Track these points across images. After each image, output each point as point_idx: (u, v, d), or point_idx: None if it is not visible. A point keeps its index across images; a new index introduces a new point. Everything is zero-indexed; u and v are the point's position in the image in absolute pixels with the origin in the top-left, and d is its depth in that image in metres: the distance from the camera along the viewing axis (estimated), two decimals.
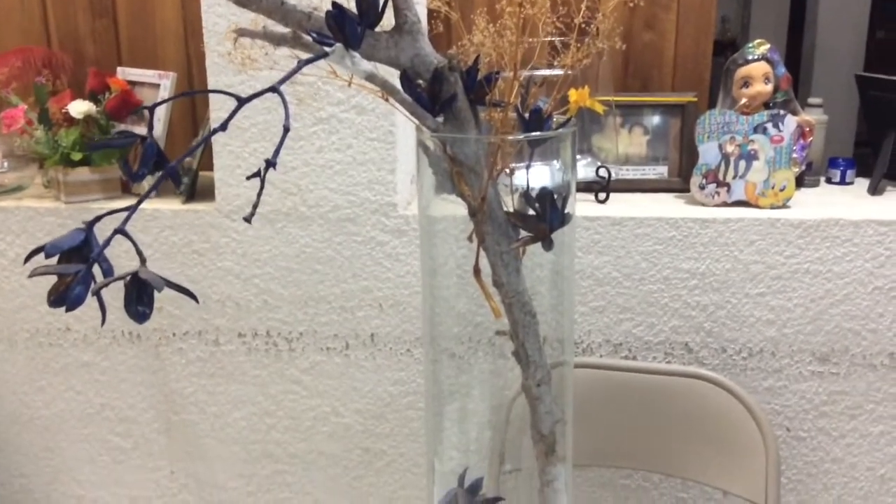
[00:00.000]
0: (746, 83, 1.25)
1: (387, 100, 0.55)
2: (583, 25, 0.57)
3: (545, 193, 0.56)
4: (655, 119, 1.34)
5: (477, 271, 0.59)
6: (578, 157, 1.32)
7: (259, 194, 0.44)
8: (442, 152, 0.56)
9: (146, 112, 1.31)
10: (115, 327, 1.34)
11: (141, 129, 1.34)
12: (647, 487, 1.31)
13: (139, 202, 0.44)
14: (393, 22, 0.54)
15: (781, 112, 1.22)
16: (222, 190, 1.26)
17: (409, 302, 1.28)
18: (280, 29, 0.50)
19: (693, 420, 1.16)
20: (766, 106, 1.26)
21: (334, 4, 0.48)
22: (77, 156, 1.27)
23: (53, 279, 0.48)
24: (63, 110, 1.29)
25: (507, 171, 0.58)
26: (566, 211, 0.57)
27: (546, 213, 0.56)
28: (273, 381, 1.34)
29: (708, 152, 1.22)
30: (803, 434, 1.25)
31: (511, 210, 0.58)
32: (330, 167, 1.24)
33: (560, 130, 0.57)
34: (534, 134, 0.56)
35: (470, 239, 0.60)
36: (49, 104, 1.31)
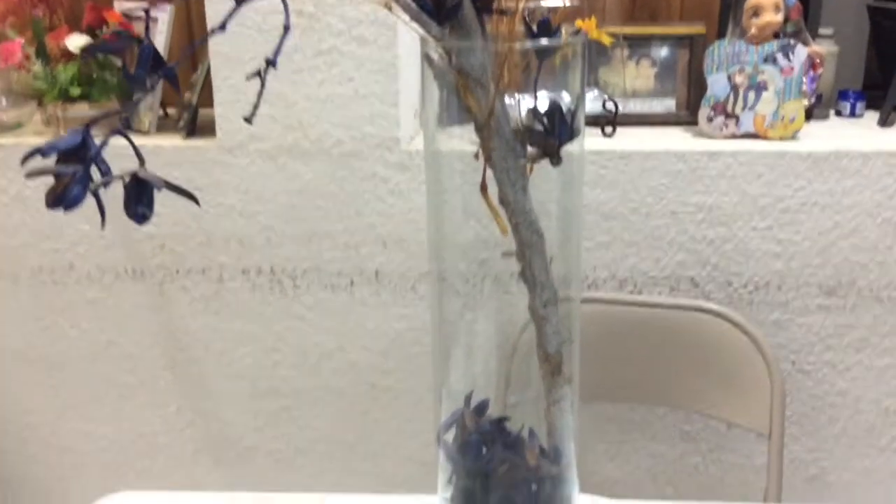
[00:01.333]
0: (756, 13, 1.22)
1: (390, 8, 0.53)
2: None
3: (554, 107, 0.55)
4: (663, 51, 1.32)
5: (484, 188, 0.58)
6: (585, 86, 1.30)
7: (259, 95, 0.43)
8: (447, 64, 0.55)
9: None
10: (118, 265, 1.34)
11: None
12: (651, 421, 1.31)
13: (137, 101, 0.42)
14: None
15: (792, 42, 1.19)
16: (223, 125, 1.25)
17: (413, 238, 1.28)
18: None
19: (698, 353, 1.16)
20: (776, 36, 1.23)
21: None
22: (76, 91, 1.25)
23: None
24: (61, 45, 1.27)
25: (515, 87, 0.56)
26: (575, 125, 0.56)
27: (555, 128, 0.55)
28: (278, 318, 1.34)
29: (716, 83, 1.20)
30: (808, 367, 1.25)
31: (519, 126, 0.57)
32: (331, 101, 1.22)
33: (570, 39, 0.56)
34: (542, 41, 0.54)
35: (476, 156, 0.58)
36: (46, 39, 1.29)
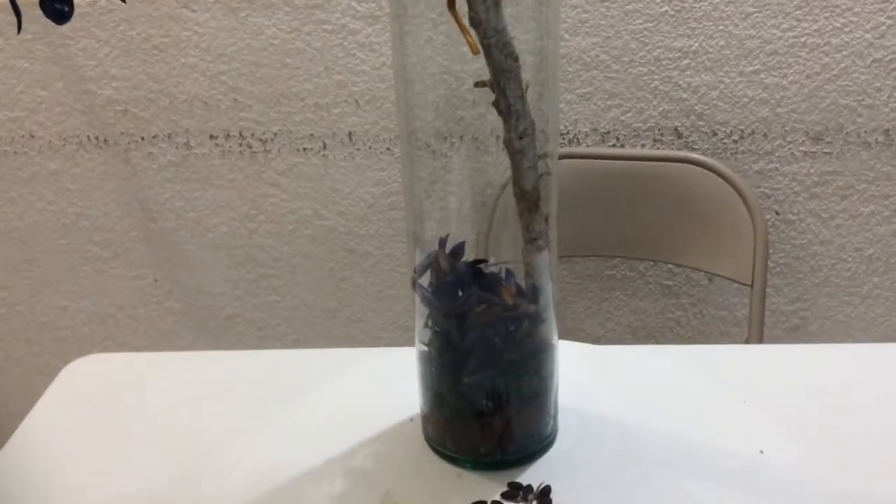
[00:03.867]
0: None
1: None
2: None
3: None
4: None
5: (451, 3, 0.53)
6: None
7: None
8: None
9: None
10: (80, 133, 1.28)
11: None
12: (632, 277, 1.30)
13: None
14: None
15: None
16: None
17: (386, 97, 1.22)
18: None
19: (681, 205, 1.13)
20: None
21: None
22: None
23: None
24: None
25: None
26: None
27: None
28: (251, 184, 1.30)
29: None
30: (792, 217, 1.23)
31: None
32: None
33: None
34: None
35: None
36: None
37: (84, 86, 1.24)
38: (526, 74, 0.59)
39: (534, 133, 0.61)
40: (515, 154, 0.61)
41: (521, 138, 0.60)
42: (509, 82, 0.58)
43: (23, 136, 1.28)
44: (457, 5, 0.53)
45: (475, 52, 0.54)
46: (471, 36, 0.54)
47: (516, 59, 0.57)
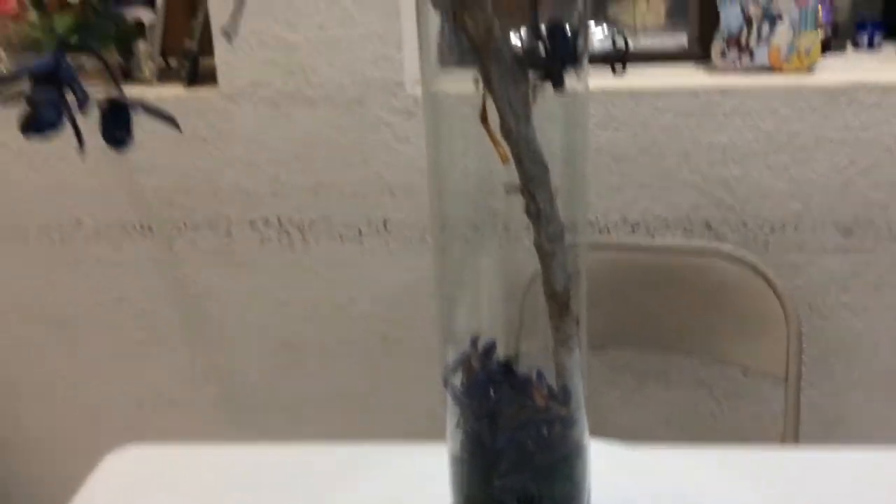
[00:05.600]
0: None
1: None
2: None
3: (555, 27, 0.52)
4: None
5: (484, 117, 0.56)
6: (593, 26, 1.26)
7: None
8: None
9: None
10: (126, 220, 1.33)
11: (140, 13, 1.29)
12: (665, 368, 1.30)
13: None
14: None
15: None
16: (224, 72, 1.22)
17: (421, 186, 1.26)
18: None
19: (714, 298, 1.14)
20: None
21: None
22: (74, 40, 1.23)
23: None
24: None
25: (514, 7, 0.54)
26: (579, 46, 0.53)
27: (556, 49, 0.52)
28: (288, 271, 1.33)
29: (730, 16, 1.16)
30: (825, 310, 1.23)
31: (519, 49, 0.54)
32: (333, 44, 1.19)
33: None
34: None
35: (476, 84, 0.56)
36: None
37: (132, 175, 1.30)
38: (556, 178, 0.61)
39: (563, 236, 0.63)
40: (545, 256, 0.63)
41: (551, 241, 0.62)
42: (539, 189, 0.60)
43: (70, 223, 1.33)
44: (489, 117, 0.56)
45: (505, 163, 0.56)
46: (501, 147, 0.56)
47: (546, 167, 0.59)
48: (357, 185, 1.27)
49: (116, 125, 0.39)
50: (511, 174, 0.61)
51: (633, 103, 1.16)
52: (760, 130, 1.14)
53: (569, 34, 0.52)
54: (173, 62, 1.38)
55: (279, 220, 1.30)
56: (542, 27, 0.53)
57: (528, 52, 0.54)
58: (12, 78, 0.37)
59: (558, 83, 0.53)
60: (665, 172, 1.19)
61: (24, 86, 0.38)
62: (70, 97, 0.39)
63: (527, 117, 0.57)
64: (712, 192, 1.19)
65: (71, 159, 1.30)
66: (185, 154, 1.27)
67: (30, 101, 0.37)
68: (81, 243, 1.34)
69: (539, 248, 0.63)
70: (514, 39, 0.54)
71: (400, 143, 1.24)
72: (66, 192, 1.31)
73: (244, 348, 1.38)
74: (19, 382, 1.45)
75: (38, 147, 1.29)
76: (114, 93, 0.39)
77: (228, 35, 0.41)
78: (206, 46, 1.27)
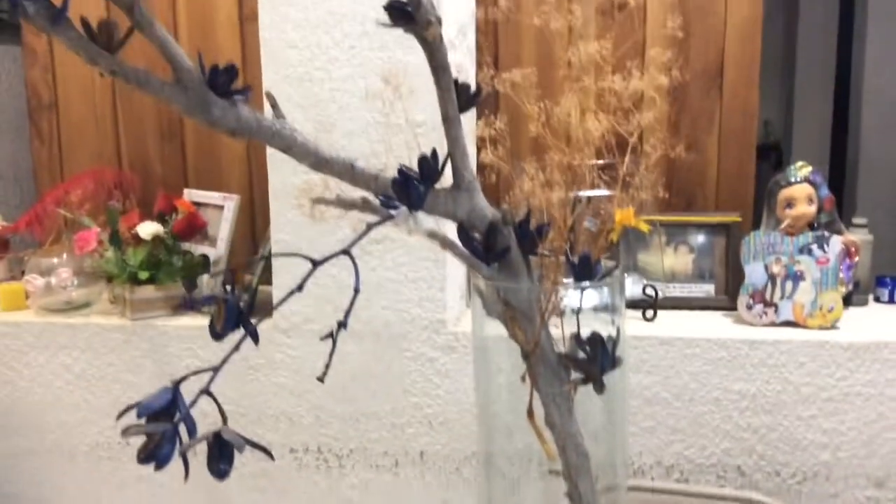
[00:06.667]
0: (790, 204, 1.27)
1: (444, 249, 0.58)
2: (626, 179, 0.61)
3: (595, 337, 0.59)
4: (700, 238, 1.37)
5: (531, 414, 0.61)
6: (625, 274, 1.35)
7: (331, 354, 0.48)
8: (496, 298, 0.59)
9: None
10: None
11: (205, 248, 1.41)
12: None
13: (222, 363, 0.47)
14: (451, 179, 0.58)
15: (826, 234, 1.23)
16: (281, 308, 1.31)
17: (458, 420, 1.30)
18: (351, 195, 0.55)
19: None
20: (811, 226, 1.28)
21: (400, 171, 0.53)
22: (144, 274, 1.34)
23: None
24: (132, 231, 1.36)
25: (558, 313, 0.61)
26: (617, 354, 0.59)
27: (597, 357, 0.58)
28: (324, 498, 1.35)
29: (754, 273, 1.24)
30: None
31: (562, 351, 0.61)
32: (383, 285, 1.28)
33: (608, 279, 0.60)
34: (584, 284, 0.59)
35: (523, 379, 0.62)
36: (119, 226, 1.39)
37: None
38: (596, 457, 0.66)
39: None
40: None
41: None
42: (581, 476, 0.64)
43: (119, 444, 1.38)
44: (535, 415, 0.62)
45: (551, 459, 0.61)
46: (548, 445, 0.61)
47: (587, 457, 0.64)
48: (396, 417, 1.31)
49: (221, 459, 0.44)
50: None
51: (663, 350, 1.22)
52: (788, 382, 1.19)
53: (608, 345, 0.58)
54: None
55: (318, 447, 1.34)
56: (584, 336, 0.60)
57: (571, 357, 0.60)
58: (133, 411, 0.43)
59: (599, 387, 0.59)
60: (697, 417, 1.22)
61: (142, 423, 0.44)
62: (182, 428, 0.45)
63: (569, 410, 0.63)
64: (743, 439, 1.21)
65: (126, 381, 1.37)
66: (235, 381, 1.34)
67: (149, 436, 0.43)
68: (127, 462, 1.38)
69: None
70: (558, 345, 0.61)
71: (440, 377, 1.29)
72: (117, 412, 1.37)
73: None
74: None
75: (97, 370, 1.37)
76: (221, 429, 0.45)
77: (321, 380, 0.47)
78: (266, 278, 1.36)
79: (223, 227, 1.40)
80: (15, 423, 1.41)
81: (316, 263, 0.49)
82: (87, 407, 1.38)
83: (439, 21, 0.53)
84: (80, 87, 1.62)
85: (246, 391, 1.34)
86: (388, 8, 0.52)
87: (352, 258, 0.48)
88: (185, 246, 1.40)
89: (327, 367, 0.48)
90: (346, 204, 0.54)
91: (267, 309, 1.34)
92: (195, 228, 1.38)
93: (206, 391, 0.47)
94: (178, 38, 1.54)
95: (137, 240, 1.36)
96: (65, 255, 1.42)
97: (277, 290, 1.31)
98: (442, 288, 1.28)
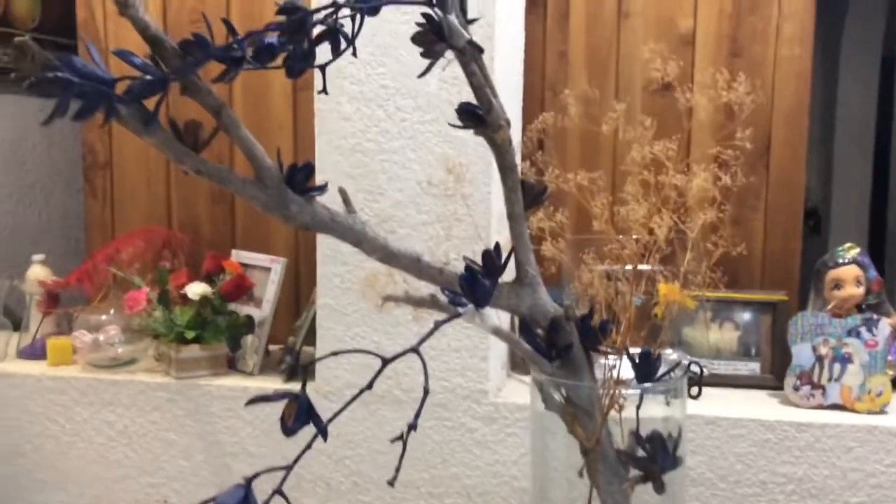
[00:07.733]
0: (838, 285, 1.26)
1: (507, 344, 0.59)
2: (687, 276, 0.61)
3: (656, 436, 0.59)
4: (746, 315, 1.36)
5: None
6: (669, 350, 1.34)
7: (401, 458, 0.48)
8: (557, 394, 0.60)
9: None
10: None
11: (251, 309, 1.42)
12: None
13: (294, 462, 0.48)
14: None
15: (875, 316, 1.22)
16: (323, 371, 1.32)
17: (497, 492, 1.29)
18: (421, 293, 0.56)
19: None
20: (859, 308, 1.27)
21: (467, 268, 0.54)
22: (190, 334, 1.35)
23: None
24: (180, 291, 1.39)
25: (617, 407, 0.61)
26: (678, 454, 0.59)
27: (657, 456, 0.58)
28: None
29: (801, 353, 1.23)
30: None
31: (622, 448, 0.60)
32: (425, 353, 1.28)
33: (670, 379, 0.60)
34: (646, 385, 0.59)
35: (580, 474, 0.62)
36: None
37: (222, 460, 1.36)
38: None
39: None
40: None
41: None
42: None
43: (157, 501, 1.39)
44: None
45: None
46: None
47: None
48: (434, 486, 1.30)
49: None
50: None
51: (709, 430, 1.21)
52: (836, 467, 1.17)
53: (668, 445, 0.58)
54: (274, 350, 1.48)
55: None
56: (643, 433, 0.60)
57: (631, 455, 0.60)
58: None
59: (659, 488, 0.59)
60: (742, 500, 1.20)
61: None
62: None
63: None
64: None
65: (167, 440, 1.38)
66: (275, 443, 1.34)
67: None
68: None
69: None
70: (618, 442, 0.61)
71: (479, 447, 1.29)
72: (158, 471, 1.38)
73: None
74: None
75: (139, 427, 1.38)
76: None
77: (391, 483, 0.48)
78: (309, 339, 1.37)
79: (269, 288, 1.41)
80: (57, 477, 1.42)
81: (386, 361, 0.50)
82: (128, 464, 1.39)
83: (509, 124, 0.54)
84: (135, 147, 1.66)
85: (285, 455, 1.34)
86: (460, 111, 0.53)
87: (421, 357, 0.49)
88: (231, 306, 1.42)
89: (397, 470, 0.48)
90: (414, 301, 0.55)
91: (307, 370, 1.35)
92: (243, 290, 1.40)
93: (278, 491, 0.48)
94: (233, 106, 1.59)
95: (185, 299, 1.38)
96: (112, 312, 1.44)
97: (320, 353, 1.32)
98: (484, 357, 1.28)
